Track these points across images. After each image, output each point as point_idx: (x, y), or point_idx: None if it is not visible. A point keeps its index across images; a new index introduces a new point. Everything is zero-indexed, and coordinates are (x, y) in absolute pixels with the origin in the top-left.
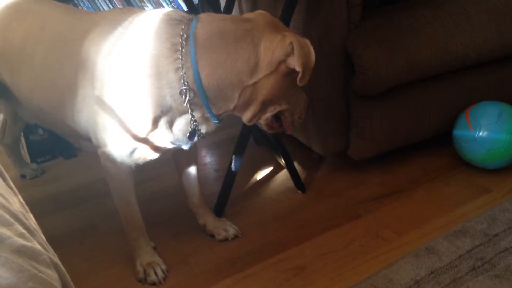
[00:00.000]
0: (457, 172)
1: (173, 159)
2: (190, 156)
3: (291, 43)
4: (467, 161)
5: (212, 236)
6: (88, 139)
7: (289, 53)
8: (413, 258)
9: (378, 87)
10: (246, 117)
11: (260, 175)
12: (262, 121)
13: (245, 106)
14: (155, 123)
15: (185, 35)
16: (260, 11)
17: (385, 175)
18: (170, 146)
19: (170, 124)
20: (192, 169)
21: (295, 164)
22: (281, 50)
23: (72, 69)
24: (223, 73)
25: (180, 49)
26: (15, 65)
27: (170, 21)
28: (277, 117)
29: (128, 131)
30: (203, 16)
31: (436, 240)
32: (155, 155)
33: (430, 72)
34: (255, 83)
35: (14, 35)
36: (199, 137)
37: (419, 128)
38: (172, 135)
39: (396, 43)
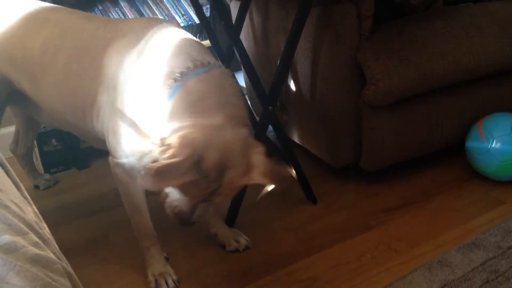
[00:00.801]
0: (470, 184)
1: None
2: None
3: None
4: (480, 173)
5: (223, 246)
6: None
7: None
8: (426, 270)
9: (390, 99)
10: None
11: (271, 186)
12: None
13: None
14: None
15: (182, 73)
16: (243, 135)
17: (397, 186)
18: None
19: None
20: None
21: (306, 175)
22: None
23: (93, 75)
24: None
25: (172, 80)
26: (35, 73)
27: (187, 56)
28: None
29: (138, 144)
30: (215, 71)
31: (449, 252)
32: None
33: (442, 83)
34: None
35: (33, 44)
36: None
37: (431, 139)
38: None
39: (408, 55)
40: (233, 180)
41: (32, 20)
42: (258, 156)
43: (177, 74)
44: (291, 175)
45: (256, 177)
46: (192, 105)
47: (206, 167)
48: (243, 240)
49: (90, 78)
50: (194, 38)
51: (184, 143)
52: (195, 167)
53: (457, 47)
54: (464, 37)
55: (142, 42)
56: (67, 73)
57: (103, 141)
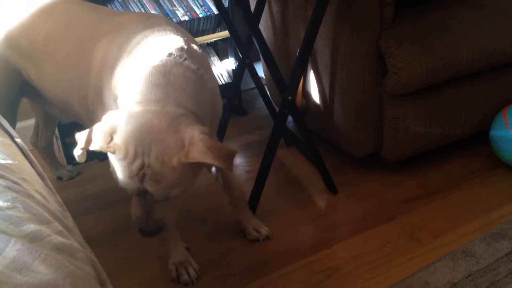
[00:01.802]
0: (494, 173)
1: None
2: None
3: None
4: (505, 162)
5: (244, 233)
6: None
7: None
8: (450, 260)
9: (412, 87)
10: None
11: (291, 176)
12: None
13: None
14: None
15: (140, 66)
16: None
17: (419, 176)
18: None
19: None
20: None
21: (326, 165)
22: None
23: (84, 69)
24: None
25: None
26: (40, 62)
27: (153, 49)
28: None
29: None
30: (169, 61)
31: (473, 242)
32: None
33: (466, 71)
34: None
35: (39, 33)
36: None
37: (455, 128)
38: None
39: (430, 42)
40: (162, 157)
41: (40, 9)
42: (195, 133)
43: (137, 68)
44: (235, 152)
45: (194, 155)
46: (132, 91)
47: (121, 139)
48: (264, 231)
49: (83, 71)
50: (179, 33)
51: (105, 118)
52: (108, 138)
53: (481, 33)
54: (489, 23)
55: (125, 39)
56: (66, 63)
57: None
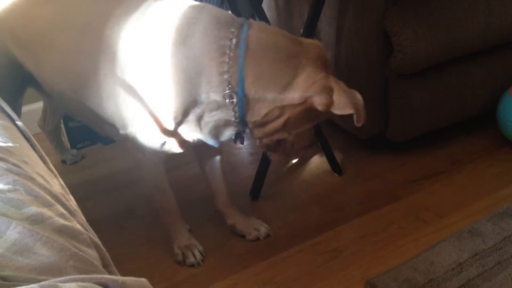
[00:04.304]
0: (501, 153)
1: (194, 150)
2: (214, 148)
3: (331, 88)
4: None
5: (243, 236)
6: (113, 126)
7: (321, 93)
8: (456, 240)
9: (417, 66)
10: (259, 134)
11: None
12: (266, 141)
13: (264, 124)
14: (185, 116)
15: (235, 40)
16: (316, 41)
17: (425, 156)
18: (196, 140)
19: (198, 122)
20: (216, 163)
21: (331, 146)
22: (317, 88)
23: (96, 54)
24: (264, 86)
25: (228, 52)
26: (37, 52)
27: (218, 23)
28: (279, 141)
29: (156, 123)
30: (254, 23)
31: (480, 222)
32: (181, 149)
33: (472, 49)
34: (283, 107)
35: (34, 22)
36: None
37: (461, 107)
38: (200, 133)
39: (436, 20)
40: None
41: None
42: None
43: (230, 44)
44: None
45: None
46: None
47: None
48: (263, 228)
49: (93, 58)
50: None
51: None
52: None
53: (488, 11)
54: (497, 1)
55: (156, 18)
56: (67, 52)
57: (107, 123)
